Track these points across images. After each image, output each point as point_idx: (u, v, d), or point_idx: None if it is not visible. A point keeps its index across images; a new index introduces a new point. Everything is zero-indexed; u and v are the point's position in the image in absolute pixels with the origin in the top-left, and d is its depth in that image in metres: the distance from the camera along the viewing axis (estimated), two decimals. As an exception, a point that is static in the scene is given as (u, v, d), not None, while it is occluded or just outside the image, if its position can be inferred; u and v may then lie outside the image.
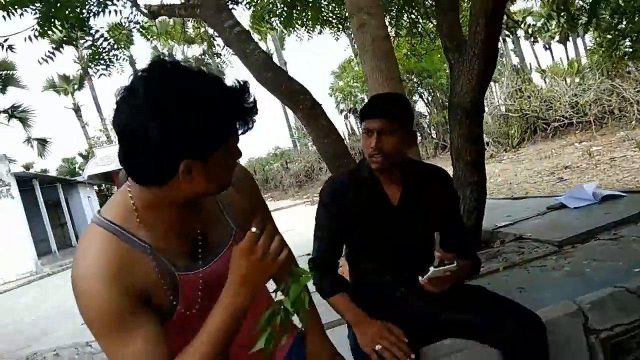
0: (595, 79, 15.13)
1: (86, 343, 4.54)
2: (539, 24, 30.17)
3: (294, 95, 3.93)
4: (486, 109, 16.84)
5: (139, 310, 0.96)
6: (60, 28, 4.67)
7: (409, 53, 8.03)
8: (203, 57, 30.32)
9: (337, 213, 1.88)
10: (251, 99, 0.97)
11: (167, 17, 4.73)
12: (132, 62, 29.42)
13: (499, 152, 15.66)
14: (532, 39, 29.77)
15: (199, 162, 0.93)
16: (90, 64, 5.53)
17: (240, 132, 0.98)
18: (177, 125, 0.88)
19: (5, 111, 24.18)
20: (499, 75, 19.04)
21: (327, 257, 1.97)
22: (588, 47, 19.11)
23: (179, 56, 29.91)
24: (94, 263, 0.95)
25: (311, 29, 6.47)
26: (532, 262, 3.01)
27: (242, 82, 0.96)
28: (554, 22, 29.55)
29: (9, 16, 4.81)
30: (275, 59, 28.64)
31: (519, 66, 23.36)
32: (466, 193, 3.56)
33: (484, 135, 14.76)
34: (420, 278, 1.63)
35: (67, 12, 4.33)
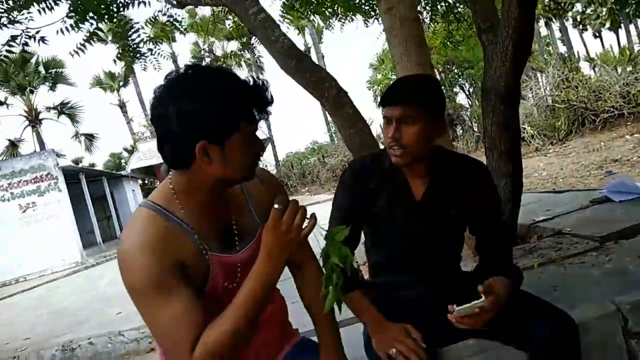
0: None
1: (119, 332, 4.61)
2: (588, 11, 28.95)
3: (319, 83, 3.80)
4: (531, 99, 16.14)
5: (177, 278, 1.06)
6: (91, 21, 4.72)
7: (445, 41, 7.64)
8: (242, 51, 30.85)
9: (358, 196, 1.74)
10: (263, 93, 1.10)
11: (194, 6, 4.71)
12: (175, 59, 30.27)
13: (545, 146, 14.95)
14: (580, 27, 28.40)
15: (216, 146, 1.06)
16: (120, 57, 5.59)
17: (253, 121, 1.10)
18: (190, 110, 1.03)
19: (55, 107, 25.26)
20: (544, 65, 18.23)
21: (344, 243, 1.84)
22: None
23: (218, 52, 30.79)
24: (138, 236, 1.08)
25: (342, 17, 6.33)
26: (569, 258, 2.78)
27: (257, 79, 1.11)
28: (604, 9, 28.27)
29: (44, 10, 4.92)
30: (312, 53, 28.88)
31: (566, 55, 22.32)
32: (500, 185, 3.33)
33: (529, 127, 14.17)
34: (450, 310, 1.43)
35: (95, 2, 4.35)
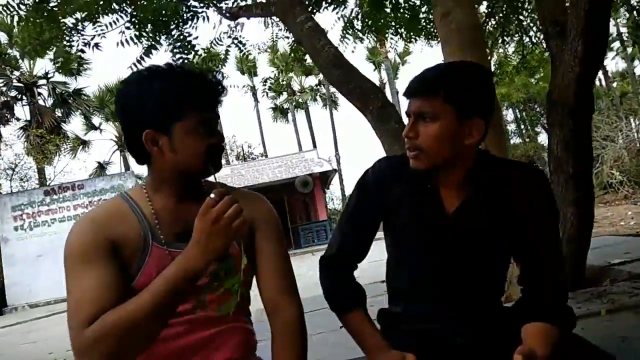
0: None
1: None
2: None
3: (364, 94, 3.53)
4: (621, 142, 14.82)
5: (104, 255, 1.06)
6: (149, 34, 4.81)
7: (520, 66, 6.93)
8: (317, 86, 31.58)
9: (379, 203, 1.42)
10: (209, 81, 1.12)
11: (246, 17, 4.67)
12: (254, 93, 31.56)
13: (635, 194, 13.52)
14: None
15: (164, 136, 1.08)
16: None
17: (201, 109, 1.09)
18: (134, 97, 1.09)
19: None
20: (638, 106, 16.77)
21: (349, 254, 1.50)
22: None
23: (296, 86, 31.83)
24: (96, 209, 1.15)
25: (406, 39, 6.07)
26: (645, 306, 2.21)
27: (208, 72, 1.15)
28: None
29: (110, 25, 5.11)
30: (387, 89, 28.90)
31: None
32: (566, 215, 2.81)
33: (617, 172, 12.97)
34: None
35: (151, 17, 4.42)
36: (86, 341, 0.98)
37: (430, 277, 1.41)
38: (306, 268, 5.14)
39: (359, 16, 5.51)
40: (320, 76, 28.14)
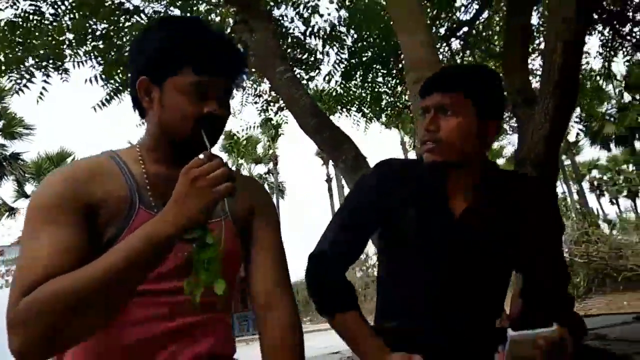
0: (673, 231, 13.89)
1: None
2: (605, 177, 29.70)
3: (338, 144, 3.59)
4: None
5: (75, 215, 0.92)
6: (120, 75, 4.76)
7: None
8: (267, 175, 31.88)
9: (380, 203, 1.37)
10: (223, 44, 1.01)
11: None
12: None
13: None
14: (598, 192, 28.93)
15: (156, 87, 0.99)
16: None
17: (200, 70, 0.97)
18: (142, 38, 1.03)
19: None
20: (565, 220, 18.05)
21: (342, 252, 1.40)
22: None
23: (245, 172, 31.95)
24: (75, 163, 1.02)
25: (369, 117, 6.39)
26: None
27: (227, 35, 1.07)
28: (621, 177, 29.00)
29: (78, 65, 5.01)
30: (334, 183, 29.59)
31: (585, 210, 22.33)
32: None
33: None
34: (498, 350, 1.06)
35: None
36: (17, 314, 0.81)
37: (430, 286, 1.34)
38: None
39: (329, 84, 5.77)
40: (270, 165, 28.57)
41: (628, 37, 4.82)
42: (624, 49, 5.21)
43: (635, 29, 4.80)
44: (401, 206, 1.36)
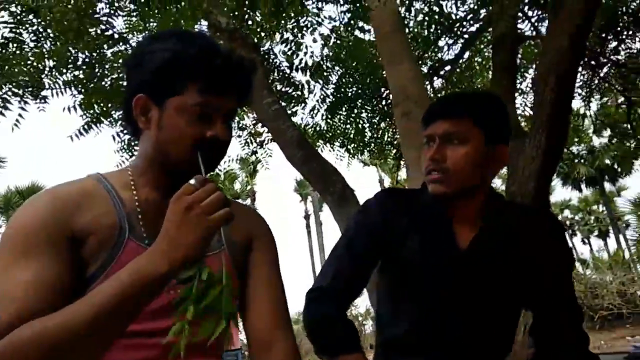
0: (645, 270, 14.16)
1: None
2: (577, 217, 30.37)
3: (325, 176, 3.53)
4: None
5: (58, 246, 0.82)
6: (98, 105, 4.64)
7: None
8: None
9: (381, 235, 1.29)
10: (231, 64, 0.90)
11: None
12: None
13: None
14: (570, 231, 29.49)
15: (155, 106, 0.89)
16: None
17: (206, 90, 0.88)
18: (142, 51, 0.92)
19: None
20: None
21: (344, 289, 1.31)
22: (630, 239, 18.45)
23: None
24: (57, 187, 0.90)
25: (352, 152, 6.38)
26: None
27: (237, 55, 0.94)
28: (592, 217, 29.69)
29: (57, 94, 4.89)
30: (312, 220, 29.50)
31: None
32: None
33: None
34: None
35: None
36: None
37: (433, 321, 1.26)
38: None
39: (313, 119, 5.77)
40: (248, 201, 28.39)
41: (605, 79, 4.99)
42: (601, 91, 5.39)
43: (612, 71, 4.97)
44: (403, 237, 1.28)
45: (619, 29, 4.55)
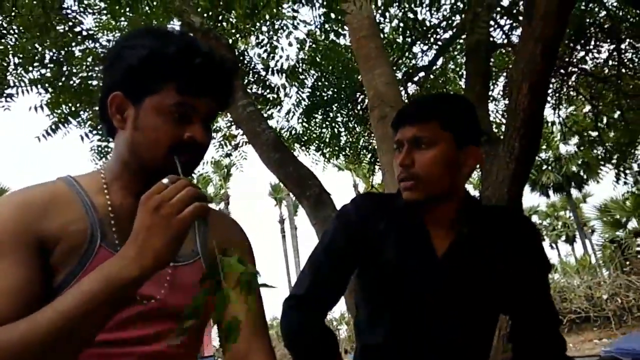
0: (610, 274, 14.59)
1: None
2: (545, 223, 31.15)
3: (302, 180, 3.50)
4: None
5: (25, 254, 0.78)
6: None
7: None
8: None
9: (357, 241, 1.27)
10: (199, 61, 0.85)
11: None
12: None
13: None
14: (538, 237, 30.19)
15: (132, 105, 0.86)
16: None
17: (184, 89, 0.84)
18: (119, 48, 0.89)
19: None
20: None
21: (322, 296, 1.29)
22: (596, 244, 19.02)
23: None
24: (26, 190, 0.86)
25: (327, 156, 6.37)
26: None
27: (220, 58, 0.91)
28: (559, 223, 30.48)
29: (23, 92, 4.71)
30: (287, 225, 29.38)
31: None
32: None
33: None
34: None
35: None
36: None
37: (412, 326, 1.24)
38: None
39: (288, 122, 5.74)
40: (222, 205, 28.11)
41: (574, 87, 5.12)
42: (569, 99, 5.52)
43: (580, 80, 5.10)
44: (381, 243, 1.26)
45: (586, 39, 4.68)
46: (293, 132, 5.86)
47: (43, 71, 4.38)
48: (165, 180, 0.73)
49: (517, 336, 1.30)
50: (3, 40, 4.00)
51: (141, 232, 0.71)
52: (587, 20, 4.60)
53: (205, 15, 3.62)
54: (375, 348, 1.29)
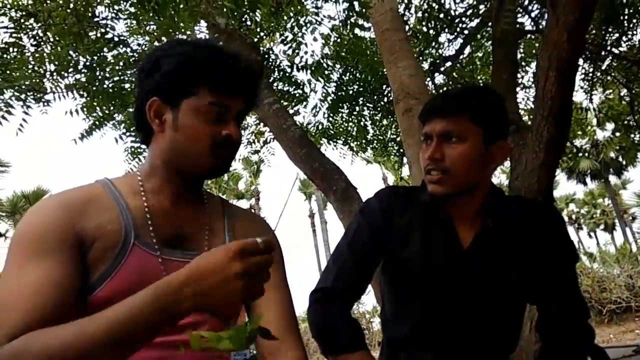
0: (652, 262, 14.08)
1: None
2: (582, 211, 30.25)
3: (328, 174, 3.54)
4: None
5: (67, 250, 0.83)
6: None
7: None
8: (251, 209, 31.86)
9: (382, 236, 1.29)
10: (240, 66, 0.95)
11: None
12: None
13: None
14: (576, 225, 29.35)
15: (169, 109, 0.93)
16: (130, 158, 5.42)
17: (218, 89, 0.92)
18: (155, 57, 0.95)
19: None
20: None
21: (347, 289, 1.32)
22: (637, 232, 18.33)
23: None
24: (65, 192, 0.91)
25: (354, 150, 6.38)
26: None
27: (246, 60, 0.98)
28: (598, 211, 29.53)
29: (59, 97, 4.89)
30: (317, 219, 29.49)
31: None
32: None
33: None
34: None
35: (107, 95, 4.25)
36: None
37: (438, 319, 1.26)
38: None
39: (315, 117, 5.77)
40: (253, 201, 28.45)
41: (607, 72, 4.95)
42: (603, 84, 5.35)
43: (614, 64, 4.94)
44: (405, 237, 1.28)
45: (619, 21, 4.52)
46: (320, 126, 5.87)
47: (78, 77, 4.54)
48: (259, 240, 0.71)
49: (545, 326, 1.30)
50: (39, 49, 4.17)
51: (211, 279, 0.70)
52: (621, 1, 4.44)
53: (229, 15, 3.68)
54: (401, 341, 1.32)
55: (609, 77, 5.24)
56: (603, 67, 4.96)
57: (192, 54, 0.93)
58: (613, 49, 4.74)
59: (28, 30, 4.03)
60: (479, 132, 1.20)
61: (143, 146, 4.64)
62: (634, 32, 4.71)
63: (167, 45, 0.99)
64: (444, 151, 1.20)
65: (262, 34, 4.78)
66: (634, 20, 4.55)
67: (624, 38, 4.73)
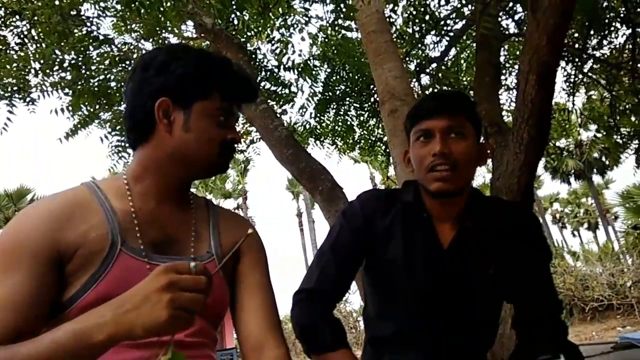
0: (633, 261, 14.32)
1: None
2: (566, 210, 30.67)
3: (314, 174, 3.56)
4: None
5: (43, 267, 0.82)
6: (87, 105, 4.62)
7: None
8: (236, 210, 31.68)
9: (364, 237, 1.32)
10: (245, 76, 1.03)
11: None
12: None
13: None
14: (560, 224, 29.75)
15: (179, 110, 0.94)
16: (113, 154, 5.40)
17: (227, 97, 0.98)
18: (166, 59, 0.96)
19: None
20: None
21: (329, 290, 1.34)
22: (619, 231, 18.62)
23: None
24: (50, 200, 0.90)
25: (341, 150, 6.41)
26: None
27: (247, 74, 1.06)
28: (581, 210, 29.98)
29: (44, 95, 4.85)
30: (304, 218, 29.54)
31: (549, 242, 22.89)
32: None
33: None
34: None
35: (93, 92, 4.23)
36: None
37: (419, 318, 1.29)
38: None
39: (302, 117, 5.79)
40: (240, 200, 28.34)
41: (589, 74, 5.05)
42: (585, 86, 5.45)
43: (595, 66, 5.04)
44: (386, 237, 1.31)
45: (601, 25, 4.61)
46: (307, 126, 5.90)
47: (63, 75, 4.51)
48: (193, 264, 0.71)
49: (520, 323, 1.34)
50: (24, 47, 4.14)
51: (134, 299, 0.69)
52: (601, 4, 4.54)
53: (216, 15, 3.69)
54: (384, 339, 1.35)
55: (590, 80, 5.34)
56: (585, 70, 5.05)
57: (207, 60, 0.98)
58: (595, 52, 4.84)
59: (12, 28, 4.00)
60: (473, 131, 1.25)
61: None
62: (615, 36, 4.81)
63: (174, 49, 1.01)
64: (451, 146, 1.22)
65: (249, 34, 4.79)
66: (615, 24, 4.64)
67: (604, 42, 4.82)
